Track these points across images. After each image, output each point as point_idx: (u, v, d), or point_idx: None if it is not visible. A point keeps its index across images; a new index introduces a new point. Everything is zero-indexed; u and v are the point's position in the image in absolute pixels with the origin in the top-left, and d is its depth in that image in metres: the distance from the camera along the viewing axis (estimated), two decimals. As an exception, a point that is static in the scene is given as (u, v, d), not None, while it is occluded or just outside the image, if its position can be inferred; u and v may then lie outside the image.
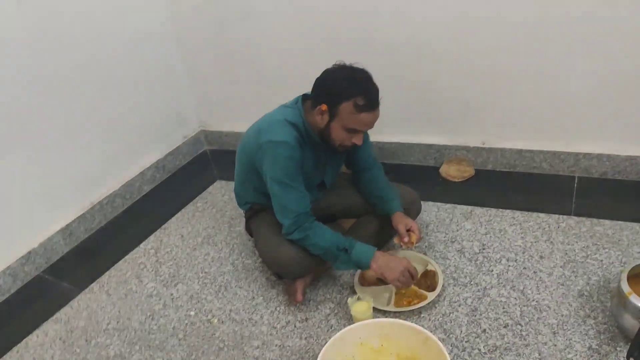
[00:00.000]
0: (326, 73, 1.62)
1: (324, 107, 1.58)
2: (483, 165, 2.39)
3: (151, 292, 1.95)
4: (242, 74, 2.70)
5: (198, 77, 2.82)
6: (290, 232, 1.65)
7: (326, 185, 1.87)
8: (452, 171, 2.36)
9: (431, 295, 1.68)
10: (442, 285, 1.73)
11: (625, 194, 2.09)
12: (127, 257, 2.17)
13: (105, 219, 2.44)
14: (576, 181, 2.20)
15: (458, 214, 2.11)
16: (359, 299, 1.63)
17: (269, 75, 2.62)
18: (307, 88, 1.67)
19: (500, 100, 2.22)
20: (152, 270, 2.07)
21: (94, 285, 2.03)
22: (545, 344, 1.50)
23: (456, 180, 2.34)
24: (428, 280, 1.76)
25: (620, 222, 1.91)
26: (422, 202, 1.98)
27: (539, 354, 1.47)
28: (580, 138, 2.17)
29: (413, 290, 1.71)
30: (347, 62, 1.61)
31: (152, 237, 2.27)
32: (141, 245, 2.23)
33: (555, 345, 1.49)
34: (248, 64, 2.64)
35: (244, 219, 2.01)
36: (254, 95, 2.72)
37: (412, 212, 1.90)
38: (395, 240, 1.79)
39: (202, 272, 2.01)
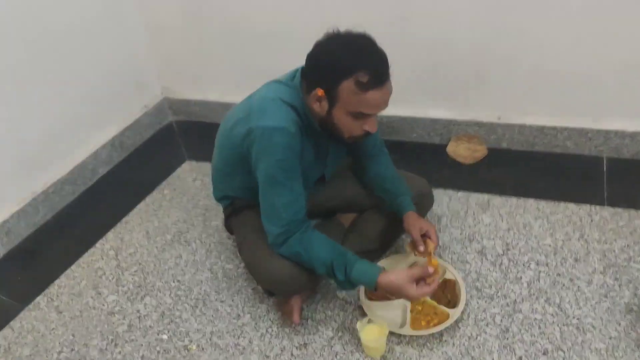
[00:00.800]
0: (318, 47, 1.26)
1: (319, 92, 1.23)
2: (497, 143, 2.09)
3: (113, 309, 1.62)
4: (215, 28, 2.27)
5: (159, 31, 2.39)
6: (278, 243, 1.34)
7: (326, 180, 1.55)
8: (461, 150, 2.07)
9: (454, 314, 1.42)
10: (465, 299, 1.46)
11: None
12: (80, 260, 1.83)
13: (51, 211, 2.07)
14: (605, 163, 1.94)
15: (473, 204, 1.83)
16: (369, 321, 1.36)
17: (249, 29, 2.20)
18: (300, 49, 1.29)
19: (520, 67, 1.91)
20: (113, 279, 1.73)
21: (40, 300, 1.69)
22: (594, 375, 1.26)
23: (466, 161, 2.04)
24: (448, 293, 1.49)
25: (663, 215, 1.67)
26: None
27: (589, 390, 1.23)
28: (611, 113, 1.91)
29: (431, 307, 1.45)
30: (343, 29, 1.24)
31: (110, 234, 1.92)
32: (97, 245, 1.88)
33: (607, 378, 1.26)
34: (222, 14, 2.21)
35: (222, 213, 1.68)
36: (229, 55, 2.32)
37: (424, 206, 1.64)
38: (408, 247, 1.51)
39: (174, 281, 1.69)
